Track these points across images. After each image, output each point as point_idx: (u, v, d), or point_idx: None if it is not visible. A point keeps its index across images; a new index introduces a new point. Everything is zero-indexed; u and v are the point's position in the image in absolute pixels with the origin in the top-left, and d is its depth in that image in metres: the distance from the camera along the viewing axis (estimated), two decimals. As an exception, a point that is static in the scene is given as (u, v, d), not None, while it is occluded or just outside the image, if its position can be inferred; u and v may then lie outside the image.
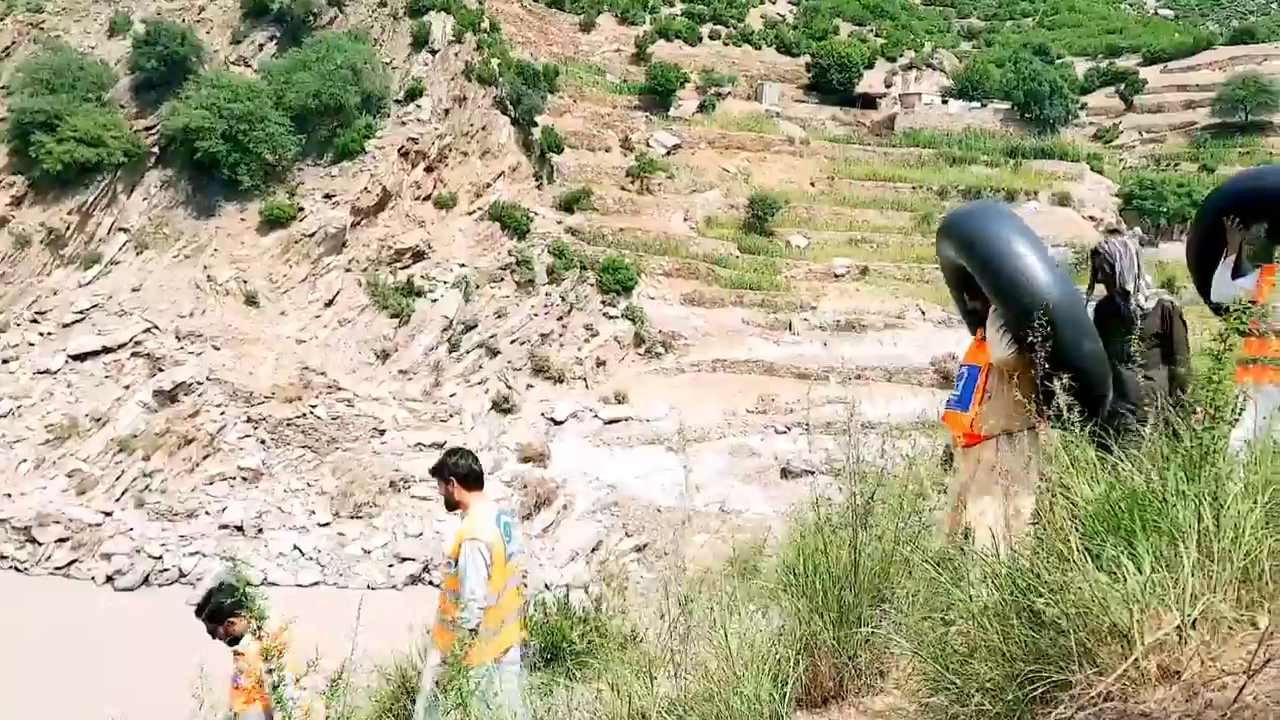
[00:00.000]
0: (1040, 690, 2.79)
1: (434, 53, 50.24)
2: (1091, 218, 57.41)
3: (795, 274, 49.85)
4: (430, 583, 29.46)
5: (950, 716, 3.13)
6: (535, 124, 50.87)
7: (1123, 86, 75.87)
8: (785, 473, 34.90)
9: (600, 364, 42.55)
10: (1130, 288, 5.40)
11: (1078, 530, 3.14)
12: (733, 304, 46.65)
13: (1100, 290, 5.62)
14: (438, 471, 6.11)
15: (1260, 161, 63.92)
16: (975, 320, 5.42)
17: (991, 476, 4.98)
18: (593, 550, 31.97)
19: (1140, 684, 2.52)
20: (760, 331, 45.04)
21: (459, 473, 6.01)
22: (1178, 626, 2.60)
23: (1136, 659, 2.54)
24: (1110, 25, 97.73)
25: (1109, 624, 2.70)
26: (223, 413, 36.83)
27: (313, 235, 43.58)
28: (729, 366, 42.26)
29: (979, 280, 4.99)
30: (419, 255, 44.56)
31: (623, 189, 52.80)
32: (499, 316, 43.06)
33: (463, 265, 44.27)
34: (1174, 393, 5.06)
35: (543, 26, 63.49)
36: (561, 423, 39.17)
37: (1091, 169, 62.24)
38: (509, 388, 40.62)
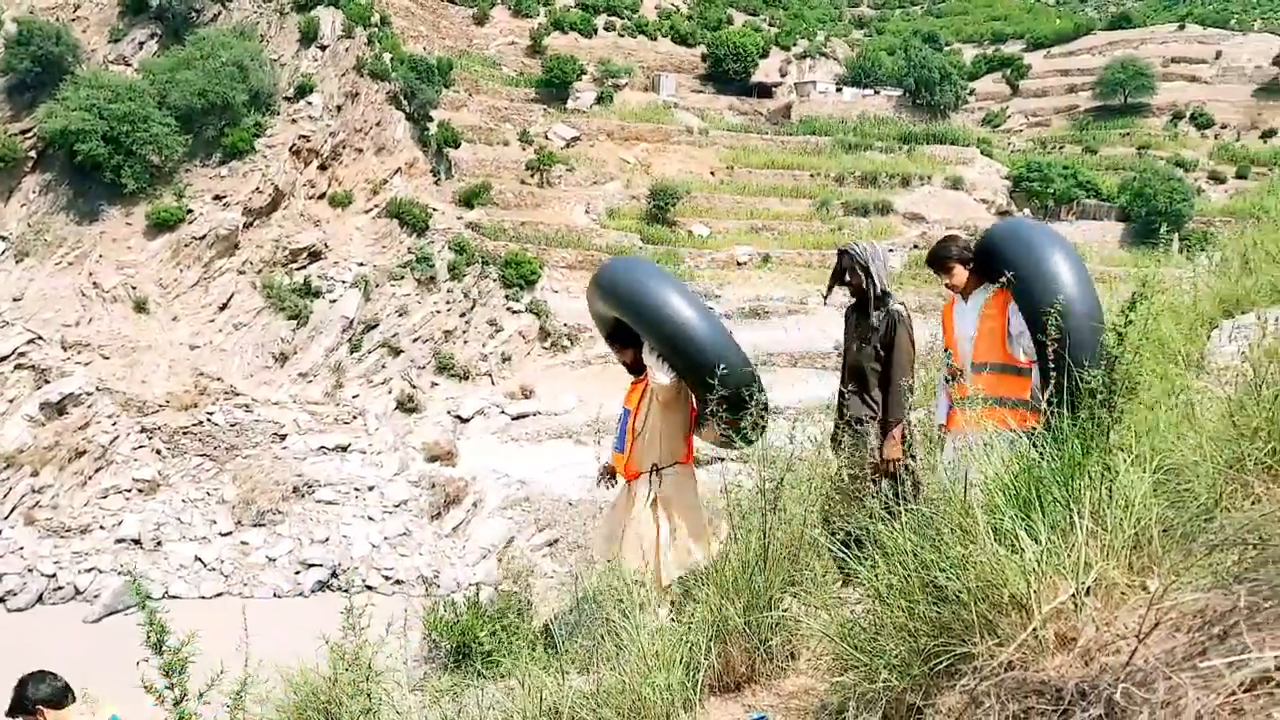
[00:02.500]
0: (945, 663, 2.81)
1: (323, 48, 49.16)
2: (983, 200, 59.02)
3: (698, 263, 50.18)
4: (340, 588, 28.95)
5: (859, 694, 3.15)
6: (431, 119, 50.21)
7: (1009, 72, 78.23)
8: (696, 461, 35.10)
9: (505, 359, 42.28)
10: (877, 293, 5.34)
11: (979, 506, 3.18)
12: (637, 295, 46.70)
13: (838, 293, 5.61)
14: (18, 709, 5.20)
15: (1140, 143, 66.56)
16: (631, 369, 5.91)
17: (646, 507, 5.48)
18: (504, 547, 31.77)
19: (1039, 652, 2.55)
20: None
21: (43, 697, 5.19)
22: (1073, 595, 2.64)
23: (1035, 628, 2.57)
24: (995, 12, 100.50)
25: (1009, 595, 2.74)
26: (114, 423, 35.54)
27: (203, 238, 42.29)
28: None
29: (635, 326, 5.47)
30: (315, 255, 43.63)
31: (523, 182, 52.50)
32: (401, 315, 42.46)
33: (361, 264, 43.49)
34: (891, 407, 5.15)
35: (435, 20, 62.62)
36: (468, 420, 38.81)
37: (982, 153, 64.00)
38: (413, 387, 40.09)
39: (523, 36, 65.71)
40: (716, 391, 4.83)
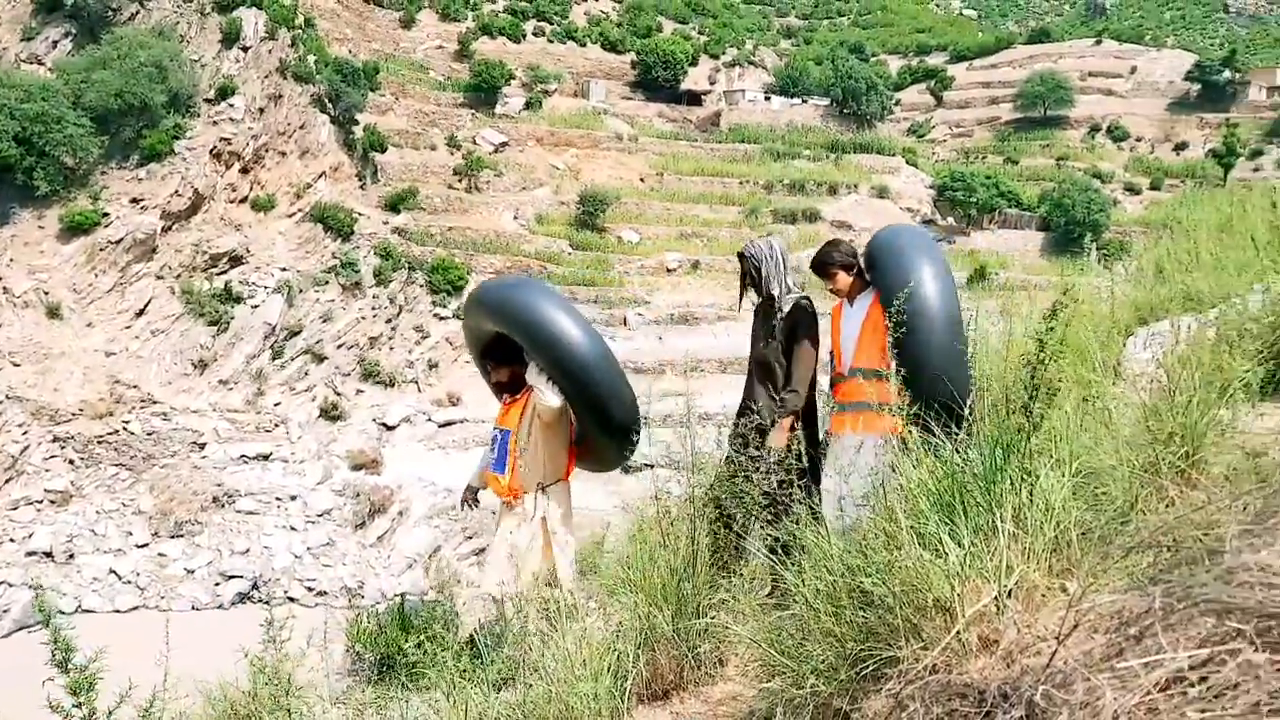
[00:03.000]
0: (871, 668, 2.82)
1: (246, 49, 48.22)
2: (909, 209, 60.05)
3: (628, 269, 50.25)
4: (261, 600, 28.37)
5: (786, 699, 3.15)
6: (356, 122, 49.61)
7: (933, 83, 79.82)
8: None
9: (432, 366, 41.89)
10: (776, 291, 5.31)
11: (904, 511, 3.20)
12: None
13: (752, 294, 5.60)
14: None
15: (1059, 155, 68.33)
16: (500, 390, 5.98)
17: (536, 525, 5.54)
18: (430, 556, 31.43)
19: (963, 655, 2.57)
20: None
21: None
22: (995, 598, 2.66)
23: (959, 631, 2.58)
24: (920, 25, 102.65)
25: (933, 599, 2.75)
26: (25, 433, 34.41)
27: (119, 242, 41.16)
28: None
29: (530, 347, 5.51)
30: (236, 260, 42.75)
31: (450, 187, 52.09)
32: (325, 321, 41.82)
33: (284, 269, 42.73)
34: (786, 395, 5.15)
35: (361, 23, 61.87)
36: (394, 428, 38.37)
37: (907, 162, 65.17)
38: (337, 394, 39.52)
39: (450, 41, 65.26)
40: (613, 427, 4.84)
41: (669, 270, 51.00)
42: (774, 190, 59.27)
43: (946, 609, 2.72)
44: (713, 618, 4.07)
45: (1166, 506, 3.23)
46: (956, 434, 3.58)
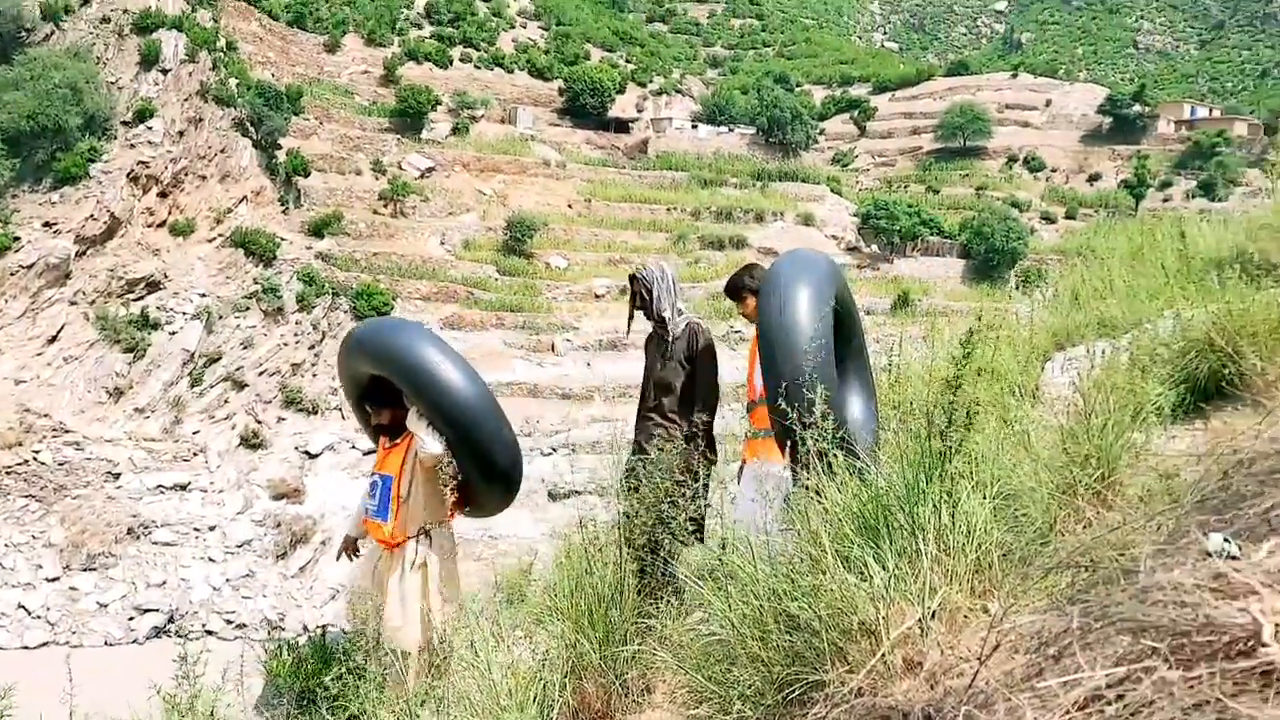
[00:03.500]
0: (798, 692, 2.82)
1: (165, 72, 47.31)
2: (833, 236, 60.97)
3: (556, 295, 50.20)
4: (177, 634, 27.59)
5: (714, 725, 3.13)
6: (279, 146, 48.94)
7: (856, 114, 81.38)
8: (552, 495, 34.93)
9: (357, 393, 41.24)
10: (667, 314, 5.31)
11: (829, 534, 3.21)
12: (493, 327, 46.45)
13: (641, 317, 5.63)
14: None
15: (978, 184, 70.03)
16: (378, 432, 5.89)
17: (414, 571, 5.46)
18: (354, 586, 30.85)
19: (888, 677, 2.58)
20: (523, 354, 45.03)
21: None
22: (919, 620, 2.68)
23: (884, 654, 2.59)
24: (843, 56, 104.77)
25: (858, 622, 2.76)
26: (-72, 464, 33.16)
27: (31, 267, 39.94)
28: (493, 389, 41.94)
29: (404, 388, 5.44)
30: (154, 285, 41.77)
31: (375, 213, 51.63)
32: (245, 347, 41.03)
33: (203, 295, 41.87)
34: (694, 417, 5.15)
35: (284, 46, 61.19)
36: (317, 456, 37.73)
37: (832, 191, 66.20)
38: (258, 422, 38.75)
39: (376, 66, 64.86)
40: (496, 474, 4.78)
41: (597, 296, 51.06)
42: (701, 217, 59.80)
43: (871, 632, 2.73)
44: (640, 644, 4.04)
45: (1084, 527, 3.30)
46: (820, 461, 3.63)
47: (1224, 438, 3.71)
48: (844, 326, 5.18)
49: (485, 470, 5.42)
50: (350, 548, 6.27)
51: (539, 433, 39.75)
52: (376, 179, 53.39)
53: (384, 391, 5.66)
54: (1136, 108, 75.21)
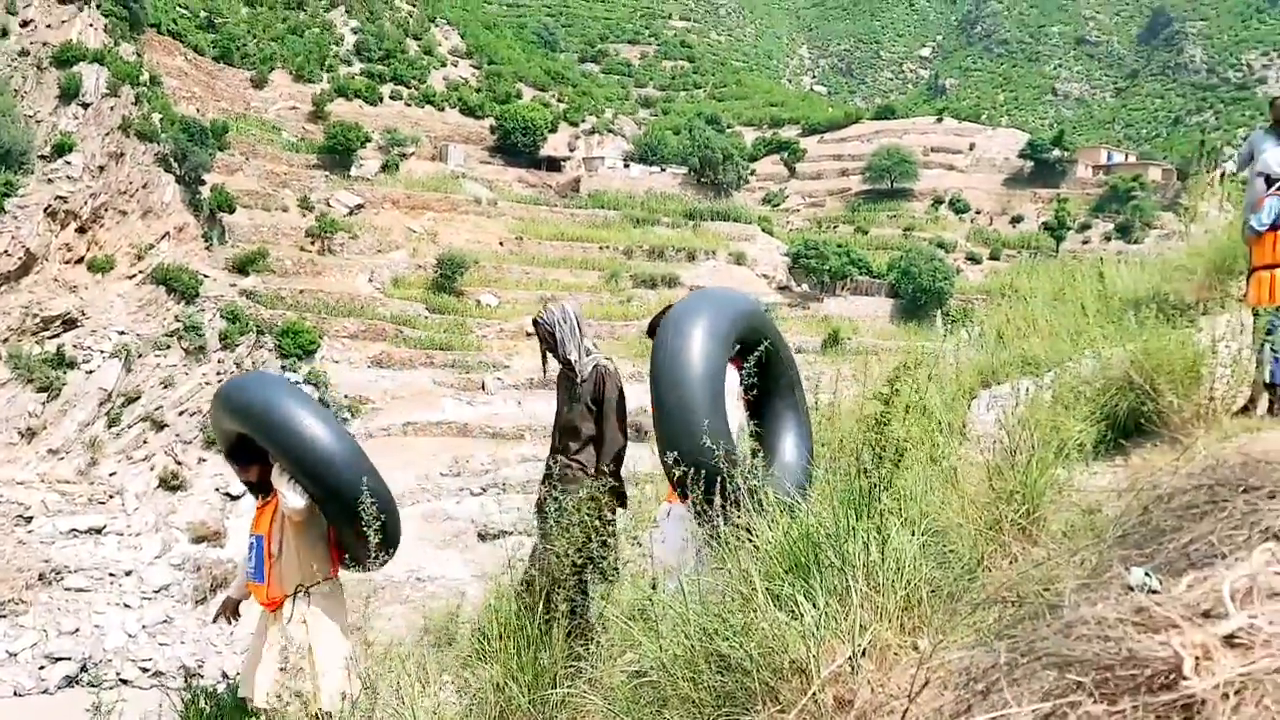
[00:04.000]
0: (729, 733, 2.79)
1: (86, 106, 46.41)
2: (765, 276, 61.70)
3: (486, 333, 49.97)
4: (90, 683, 26.61)
5: (645, 769, 3.08)
6: (203, 182, 48.24)
7: (786, 155, 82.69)
8: (483, 535, 34.54)
9: (282, 433, 40.55)
10: (573, 356, 5.23)
11: (760, 571, 3.19)
12: (423, 365, 46.02)
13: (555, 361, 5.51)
14: None
15: (906, 225, 71.46)
16: (254, 489, 5.69)
17: (296, 629, 5.30)
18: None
19: (819, 716, 2.56)
20: (452, 392, 44.66)
21: None
22: (850, 658, 2.67)
23: (814, 692, 2.57)
24: (773, 99, 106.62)
25: (789, 661, 2.74)
26: None
27: (-60, 302, 38.73)
28: (421, 429, 41.49)
29: (269, 447, 5.28)
30: (70, 323, 40.66)
31: (302, 249, 51.04)
32: (165, 387, 40.12)
33: (122, 333, 40.88)
34: (602, 460, 5.10)
35: (210, 81, 60.46)
36: (238, 497, 36.84)
37: (763, 230, 67.07)
38: (178, 463, 37.82)
39: (304, 102, 64.38)
40: (369, 524, 4.67)
41: (528, 334, 50.83)
42: (633, 256, 60.14)
43: (803, 670, 2.71)
44: (570, 687, 3.98)
45: (1010, 563, 3.32)
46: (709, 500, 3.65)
47: (1143, 473, 3.78)
48: (771, 365, 5.16)
49: (352, 524, 5.10)
50: (230, 610, 6.04)
51: (468, 472, 39.35)
52: (304, 216, 52.83)
53: (249, 449, 5.46)
54: (1056, 152, 77.57)
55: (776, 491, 4.03)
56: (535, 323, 5.36)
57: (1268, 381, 5.29)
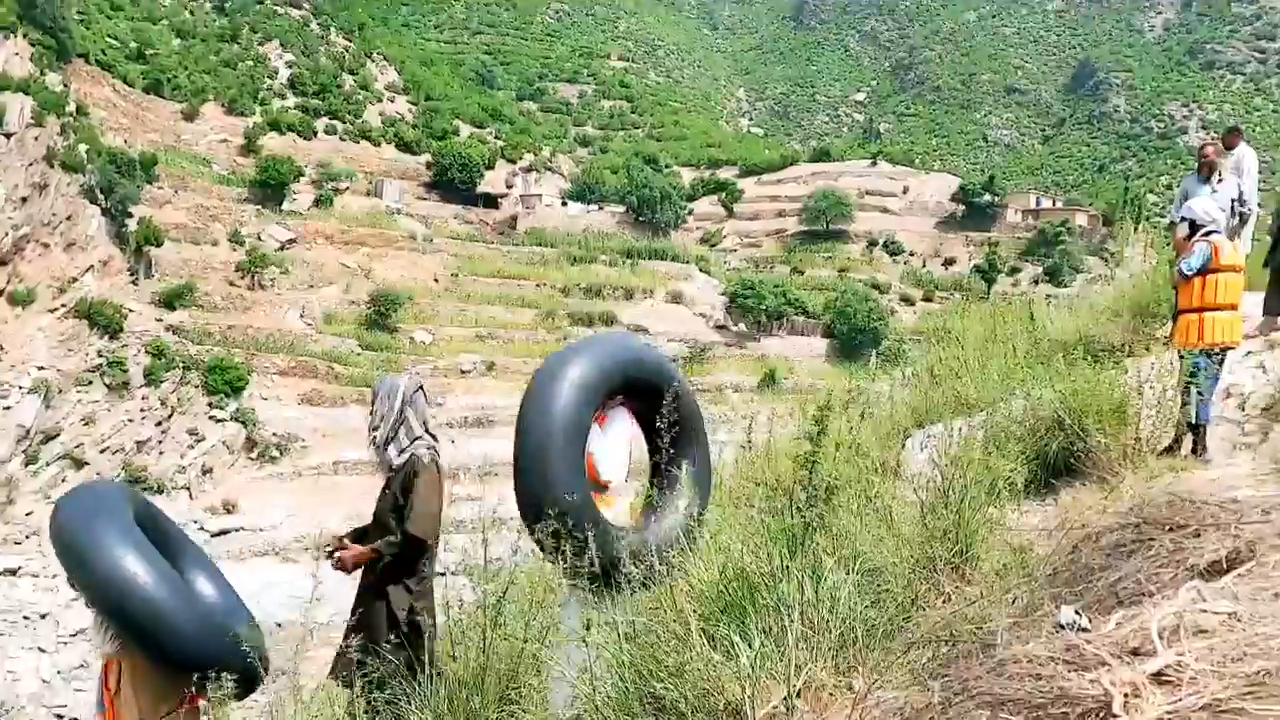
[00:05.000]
0: (663, 779, 2.75)
1: (9, 136, 45.37)
2: (702, 315, 62.02)
3: (420, 371, 49.44)
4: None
5: (577, 816, 3.02)
6: (131, 215, 47.31)
7: (724, 195, 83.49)
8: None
9: (207, 471, 39.72)
10: (385, 435, 4.58)
11: (695, 611, 3.17)
12: (354, 402, 45.32)
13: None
14: None
15: (841, 266, 72.46)
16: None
17: None
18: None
19: (755, 759, 2.53)
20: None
21: None
22: (785, 698, 2.65)
23: (751, 735, 2.55)
24: (711, 139, 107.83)
25: (724, 702, 2.72)
26: None
27: None
28: (352, 468, 40.81)
29: (71, 582, 4.83)
30: (-11, 357, 39.49)
31: (232, 284, 50.19)
32: (86, 424, 39.05)
33: (42, 368, 39.75)
34: (401, 562, 4.58)
35: (139, 113, 59.49)
36: (163, 537, 35.95)
37: (700, 269, 67.51)
38: (101, 502, 36.71)
39: (236, 135, 63.59)
40: (188, 667, 4.33)
41: (464, 372, 50.53)
42: (571, 294, 60.12)
43: (738, 712, 2.70)
44: (504, 730, 3.90)
45: (944, 601, 3.33)
46: None
47: (1073, 512, 3.84)
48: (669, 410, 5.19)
49: (173, 667, 4.67)
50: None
51: (401, 511, 38.78)
52: (234, 250, 52.01)
53: None
54: (987, 197, 79.28)
55: (643, 547, 4.12)
56: (373, 389, 4.86)
57: (1192, 422, 5.42)
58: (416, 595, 4.52)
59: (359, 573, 4.60)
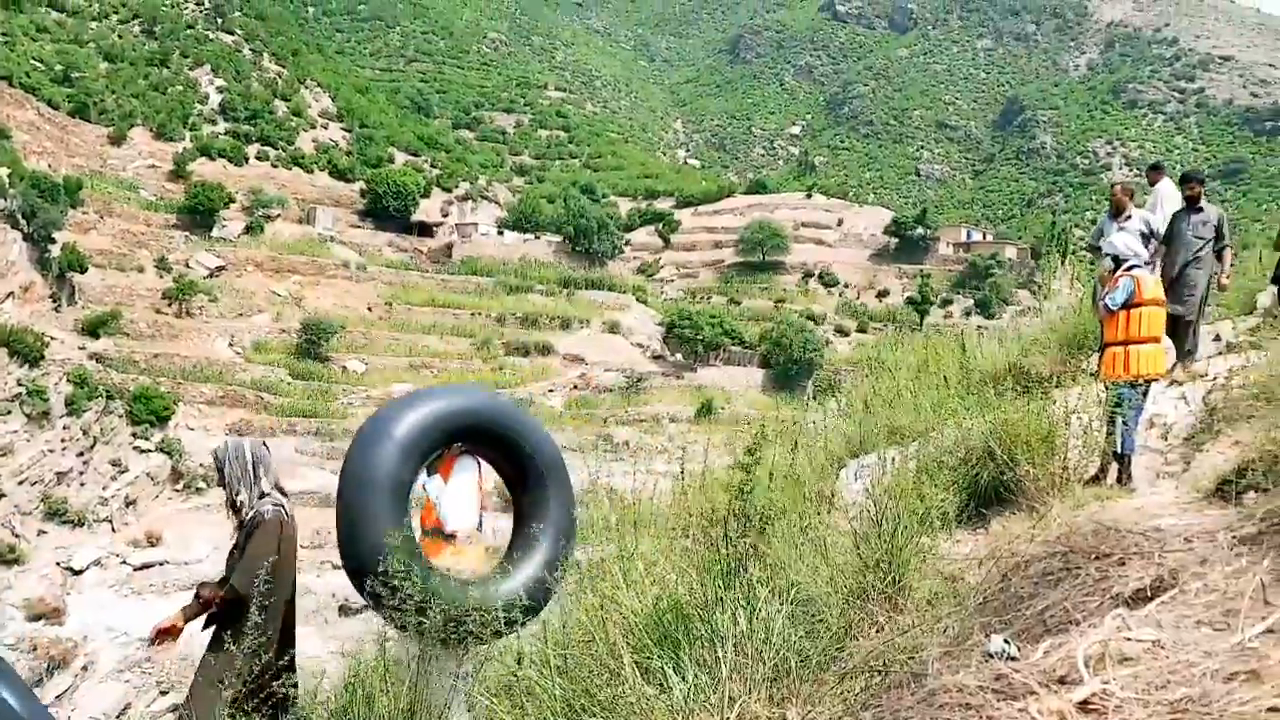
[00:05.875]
0: (595, 817, 2.70)
1: (-73, 157, 44.25)
2: (639, 344, 62.08)
3: (352, 400, 48.75)
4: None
5: None
6: (54, 240, 46.15)
7: (661, 226, 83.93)
8: (344, 610, 33.30)
9: (130, 503, 38.65)
10: (241, 498, 4.60)
11: (628, 644, 3.14)
12: (284, 433, 44.51)
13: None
14: None
15: (777, 297, 73.14)
16: None
17: None
18: (119, 715, 28.33)
19: (688, 794, 2.50)
20: (315, 461, 43.26)
21: None
22: (719, 731, 2.62)
23: (683, 771, 2.52)
24: (648, 170, 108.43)
25: (657, 737, 2.68)
26: None
27: None
28: (281, 500, 40.07)
29: None
30: (-99, 385, 38.12)
31: (158, 312, 49.16)
32: (4, 454, 37.79)
33: (-42, 397, 38.48)
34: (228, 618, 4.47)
35: (64, 136, 58.24)
36: (81, 572, 34.83)
37: (637, 299, 67.68)
38: (15, 535, 35.55)
39: (165, 160, 62.57)
40: None
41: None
42: (506, 323, 59.87)
43: (671, 747, 2.66)
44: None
45: (876, 631, 3.34)
46: None
47: (1003, 541, 3.88)
48: (517, 459, 5.37)
49: None
50: None
51: (330, 544, 38.03)
52: (161, 277, 50.98)
53: None
54: (919, 230, 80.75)
55: (491, 598, 4.26)
56: (214, 454, 4.87)
57: (1117, 451, 5.54)
58: (236, 655, 4.15)
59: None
